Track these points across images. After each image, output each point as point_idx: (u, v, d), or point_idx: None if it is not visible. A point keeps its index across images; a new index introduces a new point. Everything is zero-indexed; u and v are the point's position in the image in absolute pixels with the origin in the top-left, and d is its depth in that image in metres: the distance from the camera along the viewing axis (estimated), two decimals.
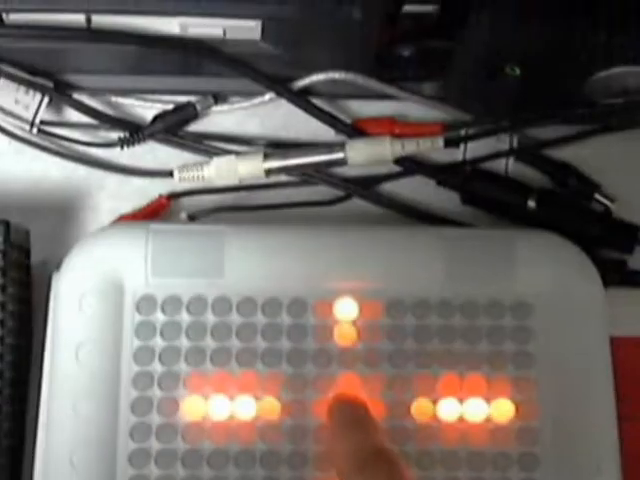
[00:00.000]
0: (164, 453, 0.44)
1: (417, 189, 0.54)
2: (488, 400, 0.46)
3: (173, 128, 0.54)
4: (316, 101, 0.54)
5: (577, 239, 0.49)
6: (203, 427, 0.45)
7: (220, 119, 0.55)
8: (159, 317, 0.46)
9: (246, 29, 0.49)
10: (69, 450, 0.44)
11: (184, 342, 0.46)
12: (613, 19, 0.45)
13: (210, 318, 0.46)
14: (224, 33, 0.50)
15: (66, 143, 0.54)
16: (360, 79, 0.52)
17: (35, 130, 0.53)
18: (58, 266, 0.47)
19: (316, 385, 0.46)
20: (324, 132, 0.54)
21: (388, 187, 0.54)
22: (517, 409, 0.46)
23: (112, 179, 0.54)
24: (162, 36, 0.50)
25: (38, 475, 0.45)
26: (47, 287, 0.47)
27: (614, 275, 0.51)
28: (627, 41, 0.45)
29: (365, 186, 0.54)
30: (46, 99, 0.53)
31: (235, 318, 0.46)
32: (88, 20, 0.49)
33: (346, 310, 0.47)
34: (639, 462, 0.47)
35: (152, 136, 0.54)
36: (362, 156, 0.52)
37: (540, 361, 0.46)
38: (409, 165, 0.54)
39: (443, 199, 0.54)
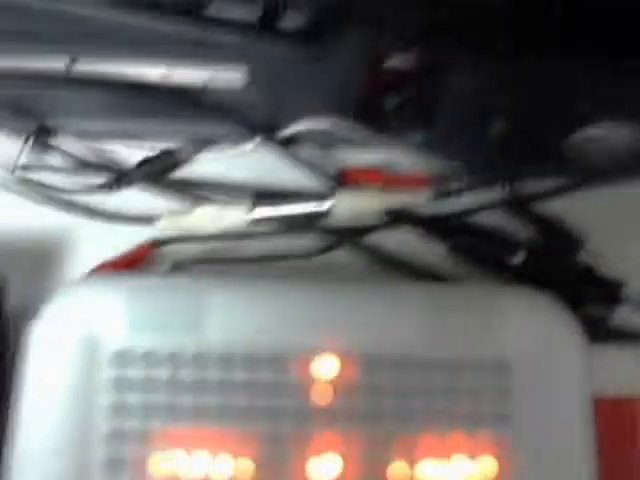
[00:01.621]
0: None
1: (403, 240, 0.54)
2: (467, 459, 0.45)
3: (156, 175, 0.54)
4: (303, 149, 0.54)
5: (561, 294, 0.48)
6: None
7: (206, 165, 0.54)
8: (135, 372, 0.45)
9: (230, 77, 0.49)
10: None
11: (160, 398, 0.45)
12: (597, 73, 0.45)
13: (187, 374, 0.45)
14: (208, 81, 0.50)
15: (47, 189, 0.53)
16: (345, 129, 0.52)
17: (15, 176, 0.52)
18: (34, 316, 0.46)
19: (292, 443, 0.45)
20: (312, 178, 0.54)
21: (374, 238, 0.54)
22: (499, 468, 0.45)
23: (94, 225, 0.53)
24: (144, 84, 0.49)
25: None
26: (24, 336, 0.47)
27: (597, 331, 0.51)
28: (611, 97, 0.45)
29: (351, 237, 0.54)
30: (28, 144, 0.52)
31: (213, 374, 0.45)
32: (70, 64, 0.48)
33: (325, 367, 0.46)
34: None
35: (135, 182, 0.53)
36: (349, 211, 0.52)
37: (518, 421, 0.46)
38: (395, 216, 0.53)
39: (430, 250, 0.53)
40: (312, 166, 0.53)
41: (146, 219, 0.53)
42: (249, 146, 0.53)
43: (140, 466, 0.44)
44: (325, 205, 0.52)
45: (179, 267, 0.52)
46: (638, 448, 0.48)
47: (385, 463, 0.45)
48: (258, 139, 0.53)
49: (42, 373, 0.45)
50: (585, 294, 0.52)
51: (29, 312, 0.48)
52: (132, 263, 0.52)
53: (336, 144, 0.54)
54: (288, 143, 0.53)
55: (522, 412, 0.46)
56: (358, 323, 0.47)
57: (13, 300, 0.49)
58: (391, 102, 0.51)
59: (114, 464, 0.44)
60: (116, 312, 0.46)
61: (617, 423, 0.49)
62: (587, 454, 0.45)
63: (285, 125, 0.53)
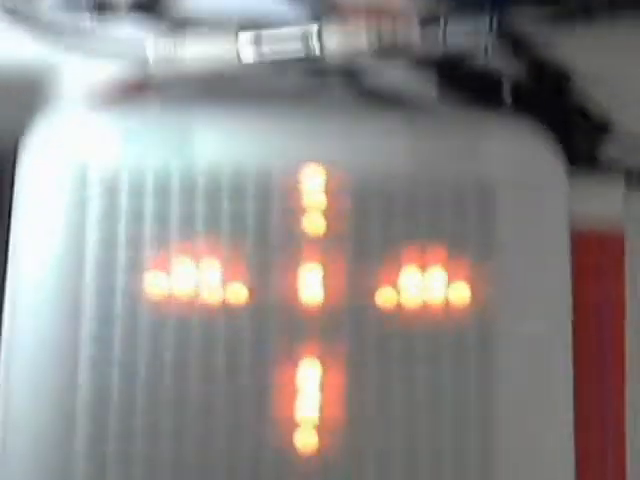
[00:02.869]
0: (127, 338, 0.45)
1: (393, 76, 0.54)
2: (447, 283, 0.47)
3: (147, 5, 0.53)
4: None
5: (549, 128, 0.49)
6: (167, 309, 0.45)
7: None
8: (123, 199, 0.46)
9: None
10: (33, 327, 0.45)
11: (148, 225, 0.46)
12: None
13: (175, 199, 0.46)
14: None
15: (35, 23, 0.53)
16: None
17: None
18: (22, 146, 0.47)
19: (281, 268, 0.46)
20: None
21: (363, 73, 0.54)
22: (474, 291, 0.46)
23: (82, 61, 0.53)
24: None
25: None
26: (12, 170, 0.47)
27: (582, 164, 0.51)
28: None
29: (340, 73, 0.53)
30: None
31: (200, 201, 0.46)
32: None
33: (312, 192, 0.47)
34: (588, 348, 0.48)
35: (120, 11, 0.53)
36: (337, 44, 0.52)
37: (499, 246, 0.47)
38: (384, 52, 0.53)
39: (420, 85, 0.53)
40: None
41: (135, 55, 0.53)
42: None
43: (132, 291, 0.45)
44: (312, 29, 0.51)
45: (168, 99, 0.52)
46: (613, 279, 0.49)
47: (372, 284, 0.46)
48: None
49: (31, 201, 0.46)
50: (572, 129, 0.52)
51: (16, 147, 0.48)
52: (122, 96, 0.52)
53: None
54: None
55: (503, 240, 0.47)
56: (345, 148, 0.47)
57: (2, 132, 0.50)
58: None
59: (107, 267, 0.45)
60: (104, 138, 0.46)
61: (597, 256, 0.50)
62: (564, 288, 0.47)
63: None
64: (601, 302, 0.49)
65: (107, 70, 0.53)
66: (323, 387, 0.45)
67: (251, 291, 0.46)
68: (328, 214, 0.47)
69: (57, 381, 0.44)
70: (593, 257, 0.49)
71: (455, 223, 0.47)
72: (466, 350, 0.46)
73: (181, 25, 0.53)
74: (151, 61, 0.52)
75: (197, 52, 0.52)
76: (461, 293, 0.47)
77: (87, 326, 0.45)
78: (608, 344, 0.49)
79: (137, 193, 0.46)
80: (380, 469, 0.45)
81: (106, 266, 0.45)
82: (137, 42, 0.53)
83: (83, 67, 0.53)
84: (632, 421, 0.48)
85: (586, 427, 0.47)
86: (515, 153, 0.48)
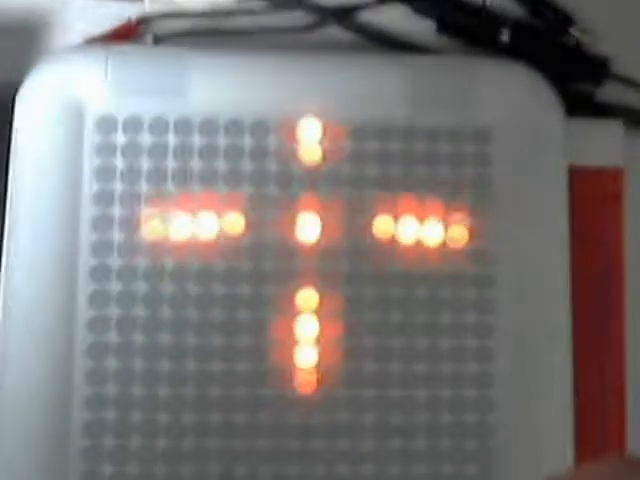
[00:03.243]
0: (125, 270, 0.45)
1: (393, 17, 0.53)
2: (444, 224, 0.47)
3: None
4: None
5: (548, 71, 0.49)
6: (164, 245, 0.45)
7: None
8: (120, 137, 0.46)
9: None
10: (31, 258, 0.45)
11: (145, 162, 0.46)
12: None
13: (171, 138, 0.46)
14: None
15: None
16: None
17: None
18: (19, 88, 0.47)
19: (278, 204, 0.46)
20: None
21: (364, 15, 0.54)
22: (472, 232, 0.46)
23: (81, 1, 0.53)
24: None
25: None
26: (11, 109, 0.47)
27: (582, 106, 0.51)
28: None
29: (341, 13, 0.53)
30: None
31: (196, 139, 0.46)
32: None
33: (309, 131, 0.47)
34: (588, 282, 0.48)
35: None
36: None
37: (497, 187, 0.47)
38: None
39: (419, 28, 0.53)
40: None
41: None
42: None
43: (127, 225, 0.45)
44: None
45: (164, 40, 0.52)
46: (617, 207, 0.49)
47: (368, 221, 0.46)
48: None
49: (27, 143, 0.46)
50: (572, 70, 0.52)
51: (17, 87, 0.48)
52: (119, 38, 0.52)
53: None
54: None
55: (502, 179, 0.47)
56: (341, 91, 0.47)
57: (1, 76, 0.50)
58: None
59: (103, 222, 0.45)
60: (101, 78, 0.46)
61: (596, 191, 0.50)
62: (561, 219, 0.47)
63: None
64: (600, 236, 0.49)
65: (105, 11, 0.53)
66: (321, 320, 0.45)
67: (248, 226, 0.46)
68: (325, 155, 0.47)
69: (55, 318, 0.44)
70: (592, 193, 0.49)
71: (452, 167, 0.47)
72: (464, 292, 0.46)
73: None
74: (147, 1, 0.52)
75: None
76: (459, 236, 0.47)
77: (84, 259, 0.45)
78: (608, 278, 0.49)
79: (133, 129, 0.46)
80: (378, 411, 0.45)
81: (102, 199, 0.45)
82: None
83: (82, 9, 0.53)
84: (632, 355, 0.49)
85: (586, 363, 0.47)
86: (512, 97, 0.48)
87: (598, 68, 0.52)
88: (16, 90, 0.47)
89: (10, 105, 0.47)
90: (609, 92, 0.52)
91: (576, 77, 0.52)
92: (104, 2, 0.53)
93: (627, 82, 0.52)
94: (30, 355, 0.44)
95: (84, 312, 0.45)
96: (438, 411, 0.45)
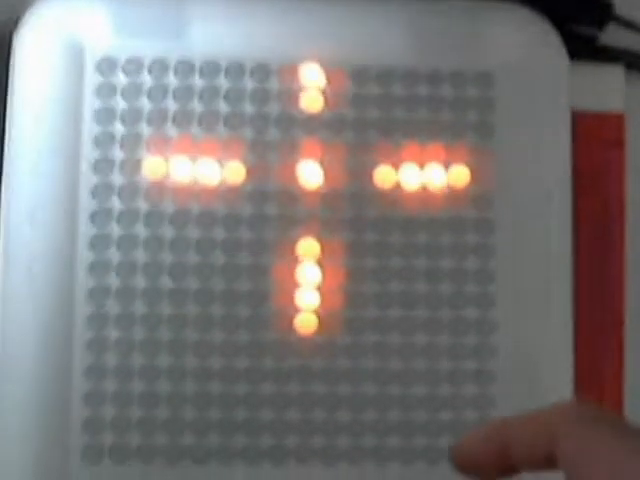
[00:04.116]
0: (126, 213, 0.45)
1: None
2: (446, 167, 0.46)
3: None
4: None
5: (551, 14, 0.48)
6: (165, 187, 0.45)
7: None
8: (120, 78, 0.45)
9: None
10: (30, 208, 0.44)
11: (145, 104, 0.45)
12: None
13: (172, 80, 0.46)
14: None
15: None
16: None
17: None
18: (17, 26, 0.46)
19: (279, 149, 0.46)
20: None
21: None
22: (474, 175, 0.46)
23: None
24: None
25: None
26: (8, 48, 0.46)
27: (584, 50, 0.51)
28: None
29: None
30: None
31: (197, 81, 0.46)
32: None
33: (311, 76, 0.46)
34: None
35: None
36: None
37: (499, 130, 0.47)
38: None
39: None
40: None
41: None
42: None
43: (128, 167, 0.45)
44: None
45: None
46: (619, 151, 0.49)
47: (370, 168, 0.46)
48: None
49: (27, 81, 0.45)
50: (575, 12, 0.51)
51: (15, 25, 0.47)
52: None
53: None
54: None
55: (504, 123, 0.47)
56: (344, 34, 0.47)
57: None
58: None
59: (104, 164, 0.45)
60: (100, 18, 0.46)
61: (598, 135, 0.49)
62: (564, 171, 0.47)
63: None
64: (602, 180, 0.49)
65: None
66: (323, 267, 0.45)
67: (249, 172, 0.45)
68: (327, 99, 0.46)
69: (54, 260, 0.44)
70: (594, 137, 0.49)
71: (455, 110, 0.47)
72: (466, 233, 0.46)
73: None
74: None
75: None
76: (461, 177, 0.46)
77: (84, 201, 0.45)
78: (610, 222, 0.49)
79: (133, 71, 0.46)
80: (378, 356, 0.45)
81: (103, 141, 0.45)
82: None
83: None
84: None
85: (587, 306, 0.47)
86: (516, 40, 0.47)
87: (601, 11, 0.52)
88: (14, 28, 0.46)
89: (7, 43, 0.46)
90: (611, 36, 0.52)
91: (579, 20, 0.52)
92: None
93: (630, 25, 0.52)
94: (30, 307, 0.44)
95: (85, 256, 0.44)
96: (438, 357, 0.45)
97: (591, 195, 0.49)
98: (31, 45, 0.46)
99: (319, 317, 0.45)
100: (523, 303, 0.46)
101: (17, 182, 0.45)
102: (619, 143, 0.50)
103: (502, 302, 0.46)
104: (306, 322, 0.45)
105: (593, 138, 0.49)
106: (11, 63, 0.46)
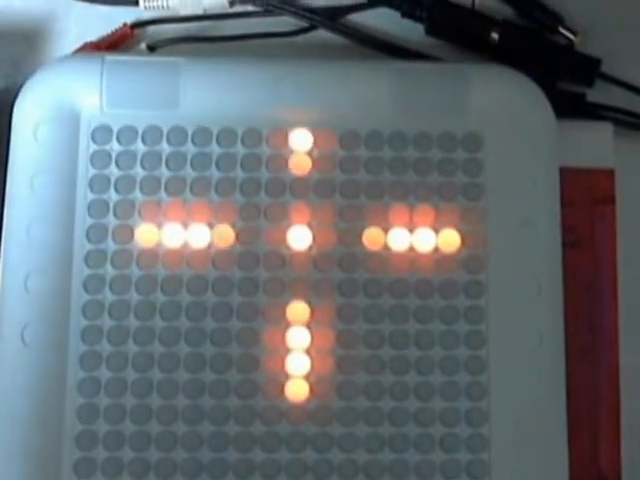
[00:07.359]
0: (119, 279, 0.46)
1: (382, 21, 0.54)
2: (436, 231, 0.47)
3: None
4: None
5: (538, 72, 0.49)
6: (157, 254, 0.46)
7: None
8: (114, 146, 0.47)
9: None
10: (24, 274, 0.45)
11: (139, 171, 0.46)
12: None
13: (165, 148, 0.47)
14: None
15: None
16: None
17: None
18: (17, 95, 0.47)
19: (268, 214, 0.46)
20: None
21: (353, 18, 0.54)
22: (464, 239, 0.47)
23: (78, 6, 0.53)
24: None
25: None
26: (9, 116, 0.47)
27: (574, 107, 0.51)
28: None
29: (330, 17, 0.53)
30: None
31: (190, 148, 0.47)
32: None
33: (300, 140, 0.47)
34: (581, 285, 0.49)
35: None
36: None
37: (489, 192, 0.47)
38: None
39: (408, 31, 0.53)
40: None
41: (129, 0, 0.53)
42: None
43: (121, 234, 0.46)
44: None
45: (157, 46, 0.52)
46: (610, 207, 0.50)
47: (359, 230, 0.47)
48: None
49: (23, 149, 0.47)
50: (562, 70, 0.52)
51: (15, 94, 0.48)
52: (113, 44, 0.52)
53: None
54: None
55: (494, 184, 0.47)
56: (332, 99, 0.48)
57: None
58: None
59: (97, 231, 0.46)
60: (96, 88, 0.47)
61: (587, 192, 0.50)
62: (552, 221, 0.47)
63: None
64: (593, 238, 0.49)
65: (102, 15, 0.53)
66: (312, 330, 0.46)
67: (239, 235, 0.46)
68: (316, 163, 0.47)
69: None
70: (584, 195, 0.49)
71: (444, 173, 0.47)
72: (456, 296, 0.46)
73: None
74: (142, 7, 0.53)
75: None
76: (451, 240, 0.47)
77: (77, 267, 0.46)
78: (601, 279, 0.49)
79: (127, 140, 0.47)
80: (370, 422, 0.45)
81: (97, 208, 0.46)
82: None
83: (79, 14, 0.53)
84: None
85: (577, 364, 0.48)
86: (502, 102, 0.48)
87: (588, 68, 0.52)
88: (15, 97, 0.48)
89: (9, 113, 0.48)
90: (599, 93, 0.52)
91: (566, 77, 0.52)
92: (100, 7, 0.53)
93: (617, 83, 0.52)
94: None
95: (78, 322, 0.45)
96: (430, 422, 0.45)
97: (582, 251, 0.49)
98: (28, 113, 0.47)
99: (309, 383, 0.45)
100: (515, 367, 0.46)
101: (12, 249, 0.46)
102: (610, 199, 0.50)
103: (493, 366, 0.46)
104: (297, 388, 0.45)
105: (583, 195, 0.50)
106: (12, 132, 0.47)
